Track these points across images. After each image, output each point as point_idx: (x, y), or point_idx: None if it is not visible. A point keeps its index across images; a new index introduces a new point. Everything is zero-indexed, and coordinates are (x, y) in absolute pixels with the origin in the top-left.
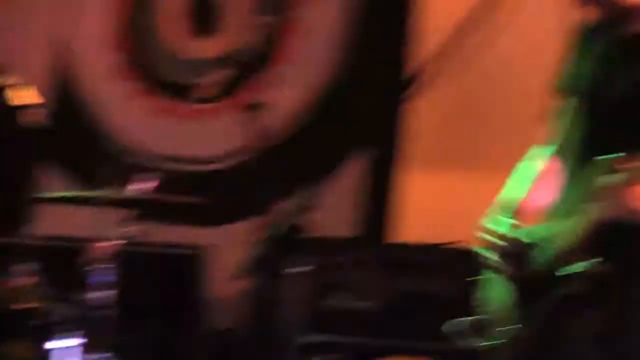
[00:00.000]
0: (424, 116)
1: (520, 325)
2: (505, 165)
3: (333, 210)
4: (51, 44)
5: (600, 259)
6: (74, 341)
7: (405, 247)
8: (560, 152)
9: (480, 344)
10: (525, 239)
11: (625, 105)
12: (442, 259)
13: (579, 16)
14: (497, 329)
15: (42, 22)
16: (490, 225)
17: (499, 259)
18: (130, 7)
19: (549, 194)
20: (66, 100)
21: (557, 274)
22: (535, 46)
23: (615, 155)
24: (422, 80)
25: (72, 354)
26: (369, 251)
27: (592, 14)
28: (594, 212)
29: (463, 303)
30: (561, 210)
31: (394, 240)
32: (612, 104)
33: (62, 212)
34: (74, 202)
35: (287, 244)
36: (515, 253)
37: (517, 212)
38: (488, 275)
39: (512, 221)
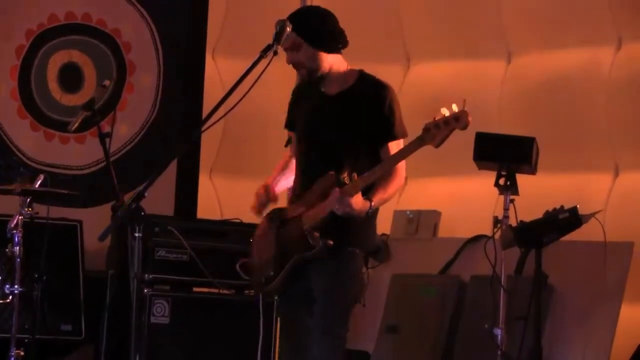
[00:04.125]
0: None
1: (273, 273)
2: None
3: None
4: None
5: (327, 236)
6: None
7: (202, 221)
8: (297, 168)
9: (255, 280)
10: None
11: (326, 139)
12: (226, 228)
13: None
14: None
15: None
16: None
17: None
18: (24, 72)
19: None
20: None
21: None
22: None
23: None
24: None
25: None
26: (181, 223)
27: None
28: (328, 209)
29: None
30: (300, 201)
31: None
32: (320, 138)
33: None
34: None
35: (131, 217)
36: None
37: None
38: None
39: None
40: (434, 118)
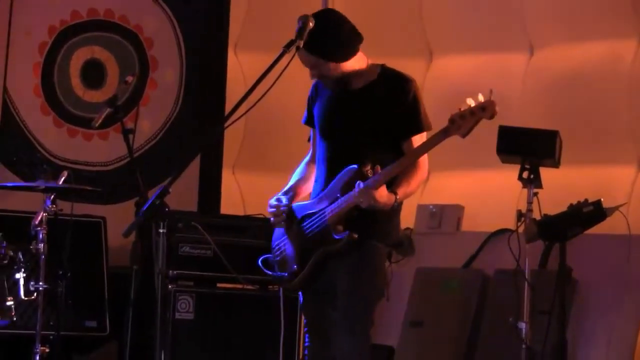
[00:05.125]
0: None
1: (298, 267)
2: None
3: (180, 194)
4: (1, 92)
5: (350, 230)
6: (23, 274)
7: (226, 216)
8: (319, 162)
9: (278, 275)
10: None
11: (348, 134)
12: (250, 223)
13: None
14: (285, 267)
15: None
16: (274, 201)
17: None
18: (47, 69)
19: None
20: (11, 126)
21: (325, 238)
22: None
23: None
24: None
25: (23, 283)
26: (205, 218)
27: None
28: (352, 202)
29: (264, 250)
30: (323, 196)
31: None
32: (342, 133)
33: (13, 194)
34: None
35: (155, 213)
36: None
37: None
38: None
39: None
40: (460, 109)
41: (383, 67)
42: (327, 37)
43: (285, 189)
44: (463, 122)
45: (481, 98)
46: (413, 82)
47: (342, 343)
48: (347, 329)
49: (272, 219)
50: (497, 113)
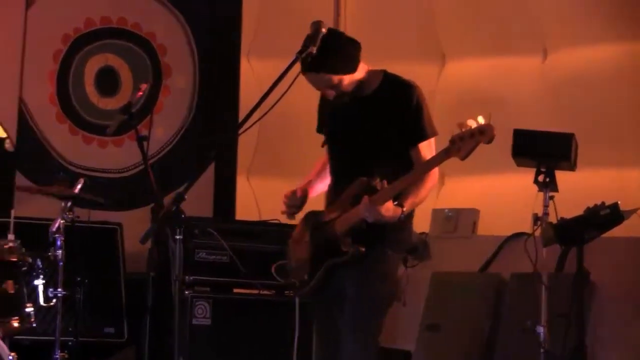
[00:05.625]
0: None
1: (308, 276)
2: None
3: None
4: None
5: (360, 242)
6: (42, 281)
7: (241, 222)
8: (330, 171)
9: (291, 282)
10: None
11: (354, 143)
12: (265, 229)
13: None
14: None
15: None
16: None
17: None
18: (62, 77)
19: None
20: (28, 134)
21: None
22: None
23: (368, 177)
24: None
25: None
26: (221, 224)
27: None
28: (359, 216)
29: (281, 255)
30: (335, 205)
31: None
32: (348, 142)
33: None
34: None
35: (171, 220)
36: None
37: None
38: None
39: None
40: (461, 129)
41: (385, 73)
42: (331, 56)
43: (302, 184)
44: (462, 145)
45: (481, 120)
46: (416, 88)
47: (349, 350)
48: (354, 335)
49: (286, 210)
50: (494, 137)
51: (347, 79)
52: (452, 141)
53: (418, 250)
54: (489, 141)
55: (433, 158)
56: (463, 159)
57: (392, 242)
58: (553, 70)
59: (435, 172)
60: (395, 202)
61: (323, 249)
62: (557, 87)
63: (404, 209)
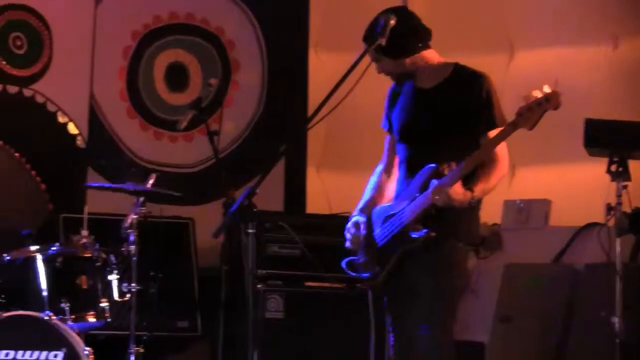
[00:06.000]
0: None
1: (378, 269)
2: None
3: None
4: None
5: (429, 228)
6: (116, 276)
7: (312, 215)
8: (399, 165)
9: (363, 276)
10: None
11: (426, 133)
12: (336, 222)
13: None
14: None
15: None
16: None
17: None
18: (132, 73)
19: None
20: (99, 130)
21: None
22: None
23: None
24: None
25: (116, 284)
26: (292, 218)
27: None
28: (428, 201)
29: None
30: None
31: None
32: (418, 133)
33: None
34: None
35: (244, 214)
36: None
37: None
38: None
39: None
40: (527, 102)
41: (456, 64)
42: (388, 34)
43: (361, 206)
44: (530, 115)
45: (546, 89)
46: (486, 78)
47: (423, 342)
48: (426, 327)
49: (348, 243)
50: (561, 104)
51: (420, 60)
52: (519, 113)
53: (484, 241)
54: (556, 107)
55: (501, 132)
56: (531, 128)
57: (459, 232)
58: (624, 59)
59: (505, 161)
60: (465, 187)
61: (392, 239)
62: (627, 76)
63: (474, 194)
